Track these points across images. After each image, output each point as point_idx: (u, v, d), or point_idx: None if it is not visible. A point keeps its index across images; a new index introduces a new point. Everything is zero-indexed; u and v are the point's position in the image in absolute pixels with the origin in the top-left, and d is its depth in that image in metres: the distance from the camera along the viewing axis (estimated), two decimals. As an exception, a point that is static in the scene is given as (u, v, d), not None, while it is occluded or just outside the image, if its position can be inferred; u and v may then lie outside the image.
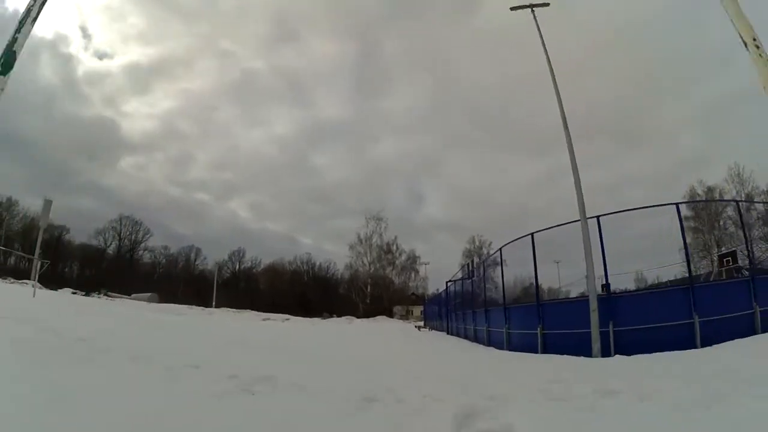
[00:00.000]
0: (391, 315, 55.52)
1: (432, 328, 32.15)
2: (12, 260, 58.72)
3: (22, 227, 63.13)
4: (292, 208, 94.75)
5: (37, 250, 27.77)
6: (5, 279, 37.21)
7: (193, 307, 39.83)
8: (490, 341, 13.92)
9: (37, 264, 28.09)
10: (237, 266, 77.03)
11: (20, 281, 33.52)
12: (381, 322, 41.94)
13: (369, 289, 64.82)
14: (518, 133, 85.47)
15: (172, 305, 38.23)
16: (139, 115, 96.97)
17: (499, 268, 13.59)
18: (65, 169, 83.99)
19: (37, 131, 77.83)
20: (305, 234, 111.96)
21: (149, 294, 52.71)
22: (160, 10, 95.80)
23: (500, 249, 13.68)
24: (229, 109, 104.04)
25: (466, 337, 18.12)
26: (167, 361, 5.41)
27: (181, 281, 70.67)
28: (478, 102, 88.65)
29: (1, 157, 74.22)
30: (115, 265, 68.04)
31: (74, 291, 40.49)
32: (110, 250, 71.20)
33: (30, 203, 61.82)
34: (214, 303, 51.92)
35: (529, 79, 55.45)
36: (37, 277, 27.19)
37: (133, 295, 51.25)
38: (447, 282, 27.48)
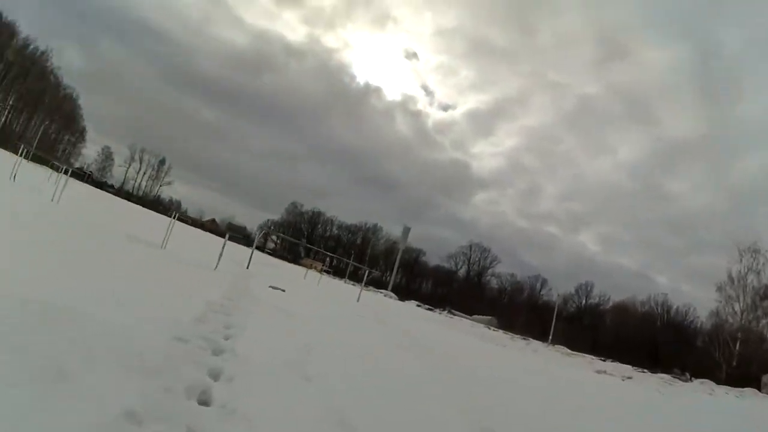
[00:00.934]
0: (759, 386, 31.37)
1: None
2: (373, 274, 74.54)
3: (384, 249, 77.76)
4: (646, 241, 79.82)
5: (396, 267, 29.87)
6: (367, 288, 43.89)
7: (527, 339, 35.00)
8: None
9: (392, 277, 30.25)
10: (583, 301, 68.95)
11: (379, 290, 39.96)
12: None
13: (737, 347, 40.92)
14: None
15: (504, 334, 34.99)
16: (485, 154, 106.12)
17: None
18: (424, 203, 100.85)
19: (400, 174, 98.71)
20: (660, 271, 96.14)
21: (489, 317, 51.83)
22: (484, 60, 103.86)
23: None
24: (570, 139, 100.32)
25: None
26: None
27: (524, 309, 68.32)
28: None
29: (372, 194, 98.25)
30: (463, 287, 73.29)
31: (419, 304, 44.65)
32: (460, 273, 77.65)
33: (392, 229, 75.12)
34: (550, 338, 45.15)
35: None
36: (390, 287, 29.25)
37: (474, 317, 51.70)
38: None
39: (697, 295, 79.17)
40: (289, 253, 75.73)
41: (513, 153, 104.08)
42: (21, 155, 17.80)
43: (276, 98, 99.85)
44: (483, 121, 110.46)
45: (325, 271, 65.47)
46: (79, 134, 66.89)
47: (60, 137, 63.24)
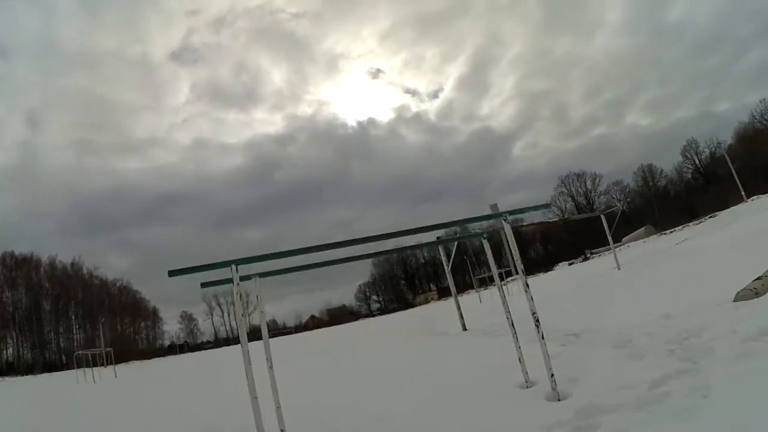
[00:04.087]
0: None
1: None
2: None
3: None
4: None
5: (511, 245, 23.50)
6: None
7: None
8: None
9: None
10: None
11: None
12: None
13: None
14: None
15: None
16: (497, 111, 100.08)
17: None
18: (482, 188, 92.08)
19: (439, 176, 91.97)
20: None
21: (642, 229, 43.15)
22: (435, 30, 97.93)
23: None
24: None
25: None
26: None
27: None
28: None
29: (430, 207, 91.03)
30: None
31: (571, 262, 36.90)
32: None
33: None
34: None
35: None
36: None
37: (625, 238, 43.06)
38: None
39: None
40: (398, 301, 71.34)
41: (518, 88, 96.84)
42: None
43: (298, 185, 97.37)
44: (476, 81, 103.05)
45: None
46: (153, 315, 66.58)
47: (137, 327, 62.63)
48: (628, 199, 66.90)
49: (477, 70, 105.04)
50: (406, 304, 64.47)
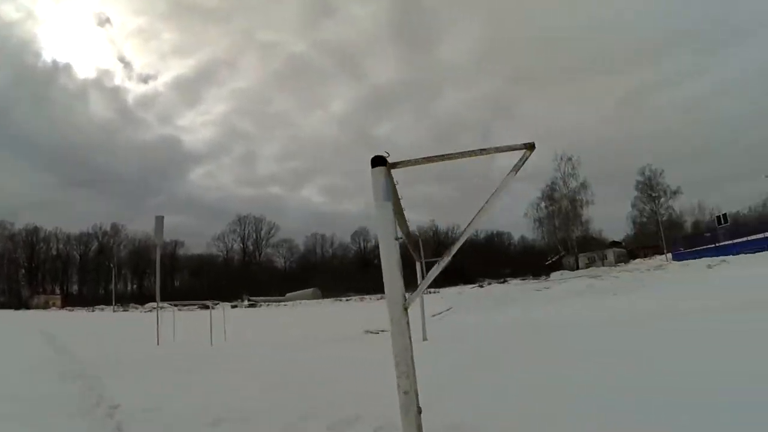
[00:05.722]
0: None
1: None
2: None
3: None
4: (363, 185, 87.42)
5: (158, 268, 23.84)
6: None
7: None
8: None
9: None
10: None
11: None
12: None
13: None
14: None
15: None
16: (196, 125, 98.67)
17: None
18: (143, 192, 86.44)
19: (107, 165, 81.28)
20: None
21: (311, 290, 49.54)
22: (190, 19, 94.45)
23: None
24: (282, 98, 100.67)
25: None
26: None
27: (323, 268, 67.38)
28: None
29: (84, 195, 79.35)
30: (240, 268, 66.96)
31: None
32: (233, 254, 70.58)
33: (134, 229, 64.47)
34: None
35: None
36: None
37: (291, 294, 48.61)
38: None
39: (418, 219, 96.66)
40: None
41: (225, 119, 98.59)
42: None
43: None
44: (189, 89, 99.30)
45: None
46: None
47: None
48: (292, 259, 71.68)
49: (198, 80, 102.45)
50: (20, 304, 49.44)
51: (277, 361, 7.39)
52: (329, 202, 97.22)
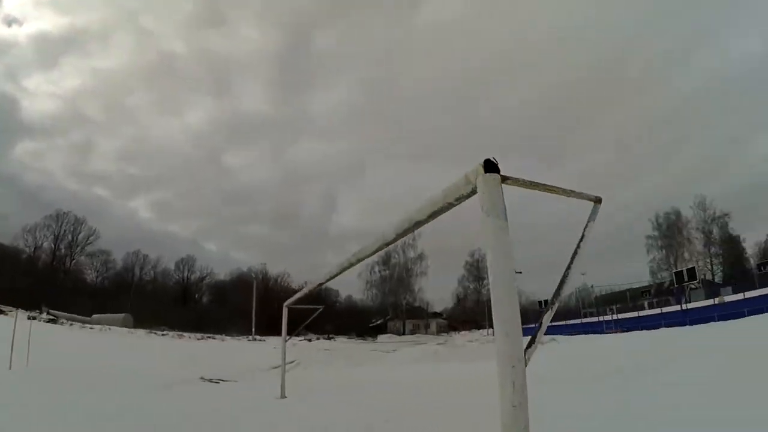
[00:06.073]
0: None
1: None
2: None
3: None
4: (201, 209, 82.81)
5: None
6: None
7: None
8: None
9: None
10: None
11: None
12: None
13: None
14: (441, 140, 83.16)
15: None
16: (41, 92, 79.90)
17: None
18: None
19: None
20: (210, 238, 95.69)
21: (122, 315, 41.83)
22: None
23: None
24: (143, 94, 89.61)
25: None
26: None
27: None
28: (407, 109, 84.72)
29: None
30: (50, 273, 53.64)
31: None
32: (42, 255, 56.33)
33: None
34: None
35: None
36: None
37: (97, 316, 40.14)
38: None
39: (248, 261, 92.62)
40: None
41: (74, 96, 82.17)
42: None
43: None
44: (49, 50, 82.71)
45: None
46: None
47: None
48: (106, 275, 61.39)
49: (64, 43, 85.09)
50: None
51: (105, 407, 5.79)
52: (158, 220, 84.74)
